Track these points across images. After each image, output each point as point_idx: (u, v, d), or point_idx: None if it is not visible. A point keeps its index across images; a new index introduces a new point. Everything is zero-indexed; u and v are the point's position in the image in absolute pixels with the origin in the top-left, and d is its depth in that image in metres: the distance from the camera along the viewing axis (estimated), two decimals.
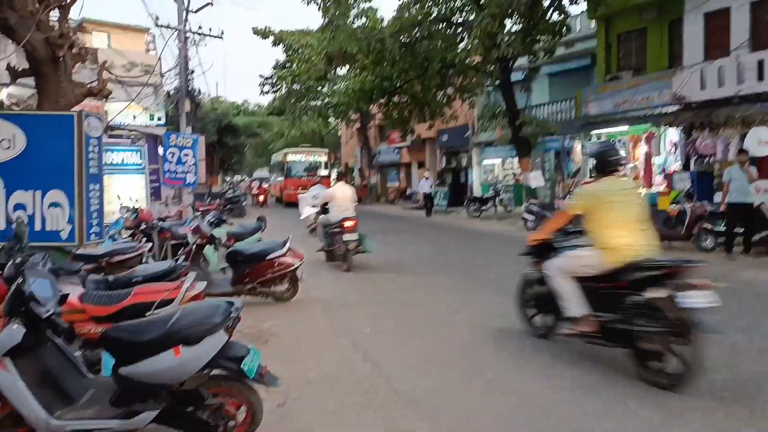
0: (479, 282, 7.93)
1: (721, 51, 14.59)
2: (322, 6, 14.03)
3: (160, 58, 16.75)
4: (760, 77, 13.00)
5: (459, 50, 19.57)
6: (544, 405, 3.69)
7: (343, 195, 9.65)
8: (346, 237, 9.10)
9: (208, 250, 7.91)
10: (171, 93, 16.39)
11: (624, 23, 18.25)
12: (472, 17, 18.18)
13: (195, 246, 6.97)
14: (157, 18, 13.53)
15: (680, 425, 3.34)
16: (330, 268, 9.47)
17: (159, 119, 19.79)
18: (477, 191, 25.27)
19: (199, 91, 20.50)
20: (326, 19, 14.55)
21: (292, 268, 6.82)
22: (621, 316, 4.02)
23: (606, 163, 4.59)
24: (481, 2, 16.71)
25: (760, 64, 13.02)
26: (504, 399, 3.83)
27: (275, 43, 26.41)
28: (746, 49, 13.90)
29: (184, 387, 3.01)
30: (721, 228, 10.31)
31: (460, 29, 19.14)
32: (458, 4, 19.56)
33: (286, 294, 7.07)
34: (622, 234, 4.17)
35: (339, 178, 10.42)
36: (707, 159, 14.57)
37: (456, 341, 5.13)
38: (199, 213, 15.46)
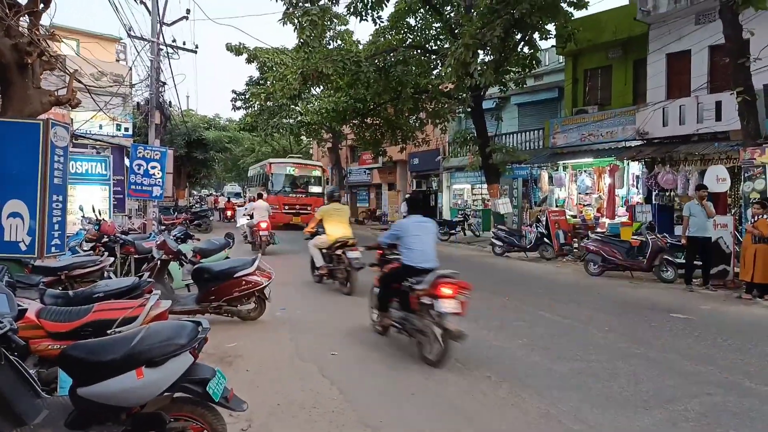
0: None
1: (682, 91, 15.27)
2: (298, 27, 14.12)
3: (131, 69, 16.47)
4: (718, 117, 13.63)
5: (432, 77, 19.93)
6: (500, 425, 3.71)
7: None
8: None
9: (173, 266, 7.74)
10: (141, 104, 16.11)
11: (591, 60, 18.93)
12: (446, 45, 18.57)
13: (160, 262, 6.78)
14: (130, 28, 13.31)
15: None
16: (298, 287, 9.35)
17: (126, 130, 19.38)
18: (446, 215, 25.52)
19: (170, 103, 20.17)
20: (302, 40, 14.63)
21: (261, 286, 6.71)
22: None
23: (331, 197, 10.28)
24: (455, 32, 17.11)
25: (718, 105, 13.66)
26: (471, 427, 3.82)
27: (249, 60, 26.38)
28: (705, 90, 14.58)
29: (145, 410, 2.90)
30: (681, 260, 10.66)
31: (434, 56, 19.50)
32: (433, 32, 20.00)
33: (253, 313, 6.95)
34: (335, 229, 9.19)
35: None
36: (668, 193, 15.11)
37: (423, 371, 5.09)
38: (164, 227, 15.16)
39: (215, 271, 6.63)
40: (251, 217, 15.16)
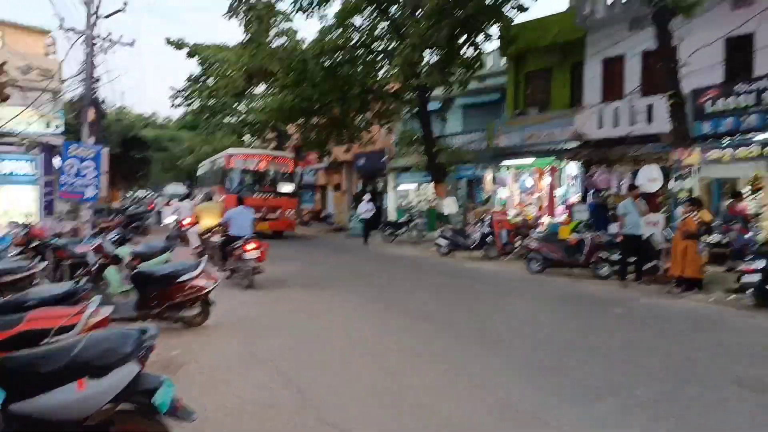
0: (400, 307, 7.95)
1: (617, 94, 15.99)
2: (244, 22, 13.78)
3: (61, 63, 15.56)
4: (650, 120, 14.37)
5: (379, 77, 19.97)
6: (461, 417, 3.73)
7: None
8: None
9: (110, 270, 7.37)
10: (74, 100, 15.26)
11: (532, 63, 19.53)
12: (392, 45, 18.65)
13: (96, 266, 6.43)
14: (62, 20, 12.57)
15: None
16: (244, 289, 9.12)
17: (57, 127, 18.31)
18: (392, 216, 25.62)
19: (104, 100, 19.25)
20: (247, 35, 14.30)
21: (205, 291, 6.48)
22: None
23: (209, 198, 15.73)
24: (402, 32, 17.21)
25: (650, 108, 14.41)
26: (433, 421, 3.83)
27: (190, 56, 25.60)
28: (638, 93, 15.33)
29: (87, 423, 2.72)
30: (616, 257, 11.16)
31: (380, 56, 19.55)
32: (379, 32, 20.02)
33: (197, 318, 6.69)
34: (207, 221, 12.09)
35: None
36: (603, 192, 15.79)
37: (381, 365, 5.08)
38: (98, 230, 14.43)
39: (157, 275, 6.35)
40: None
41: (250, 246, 9.29)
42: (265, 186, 19.96)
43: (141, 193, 54.44)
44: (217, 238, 10.89)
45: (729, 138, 11.32)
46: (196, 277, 6.44)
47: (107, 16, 13.65)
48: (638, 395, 4.35)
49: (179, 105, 32.56)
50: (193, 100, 30.94)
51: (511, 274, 12.08)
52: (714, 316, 7.76)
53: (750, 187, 12.23)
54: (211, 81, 24.63)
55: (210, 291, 6.50)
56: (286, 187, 20.44)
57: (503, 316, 7.40)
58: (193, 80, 29.62)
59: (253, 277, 9.27)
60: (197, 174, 29.34)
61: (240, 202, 10.95)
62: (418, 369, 5.01)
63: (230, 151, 20.88)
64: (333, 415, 3.89)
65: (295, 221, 20.81)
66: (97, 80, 14.00)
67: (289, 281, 10.22)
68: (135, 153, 31.93)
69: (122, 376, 2.71)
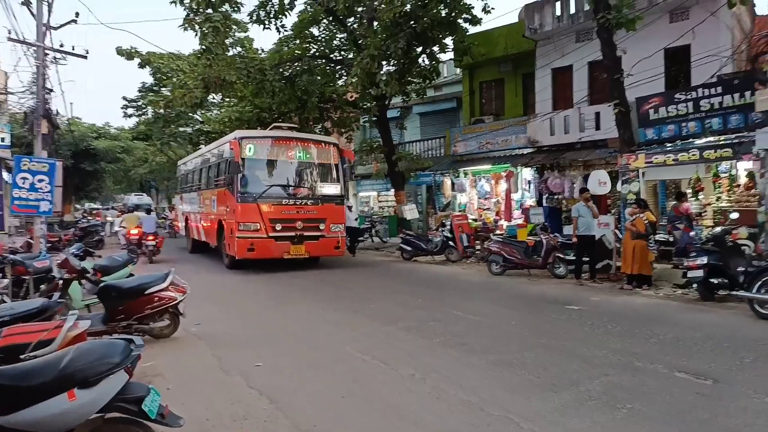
0: (367, 312, 8.12)
1: (567, 103, 16.73)
2: (200, 32, 13.73)
3: (7, 75, 15.02)
4: (597, 127, 15.10)
5: (338, 86, 20.18)
6: (430, 417, 3.94)
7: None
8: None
9: (74, 285, 7.26)
10: (26, 112, 14.75)
11: (485, 73, 20.17)
12: (350, 56, 18.90)
13: (62, 281, 6.34)
14: (9, 32, 12.19)
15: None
16: (212, 300, 9.08)
17: (2, 140, 17.64)
18: (353, 223, 25.74)
19: (57, 112, 18.66)
20: (204, 46, 14.23)
21: (174, 302, 6.49)
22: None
23: (137, 208, 18.89)
24: (359, 43, 17.48)
25: (597, 116, 15.15)
26: (404, 422, 4.01)
27: (141, 66, 25.11)
28: (586, 102, 16.07)
29: None
30: (571, 257, 11.68)
31: (339, 66, 19.76)
32: (337, 42, 20.27)
33: (166, 330, 6.69)
34: (129, 227, 16.56)
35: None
36: (556, 196, 16.44)
37: (351, 373, 5.23)
38: (50, 244, 14.01)
39: (124, 288, 6.32)
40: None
41: (150, 238, 15.61)
42: (298, 187, 13.15)
43: (92, 205, 52.59)
44: (134, 237, 16.12)
45: (671, 143, 12.04)
46: (165, 288, 6.45)
47: (58, 28, 13.27)
48: (592, 387, 4.66)
49: (131, 115, 31.87)
50: (145, 109, 30.31)
51: (473, 276, 12.44)
52: (662, 310, 8.27)
53: (692, 189, 13.02)
54: (165, 91, 24.22)
55: (179, 302, 6.51)
56: (330, 188, 13.68)
57: (467, 317, 7.67)
58: (145, 90, 29.07)
59: (153, 256, 15.39)
60: (178, 175, 22.69)
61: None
62: (386, 372, 5.19)
63: (240, 133, 13.60)
64: (307, 422, 4.01)
65: (345, 239, 14.13)
66: (50, 91, 13.62)
67: (254, 292, 10.24)
68: (86, 165, 30.91)
69: (112, 385, 2.80)
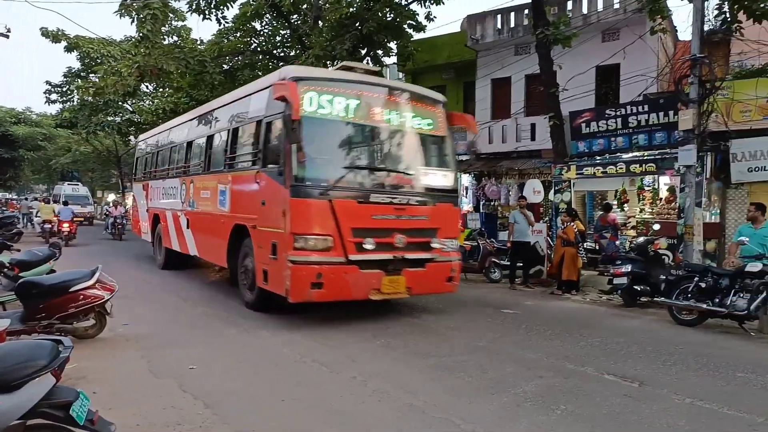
0: (303, 316, 7.98)
1: (505, 113, 17.27)
2: (137, 19, 13.07)
3: None
4: (533, 138, 15.70)
5: None
6: (373, 420, 3.92)
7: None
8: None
9: None
10: None
11: (428, 79, 20.41)
12: (293, 53, 18.63)
13: None
14: None
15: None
16: (141, 299, 8.63)
17: None
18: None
19: None
20: (141, 34, 13.56)
21: (101, 301, 6.11)
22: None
23: (55, 200, 20.29)
24: (303, 40, 17.26)
25: (533, 127, 15.75)
26: (347, 427, 3.96)
27: (69, 49, 23.67)
28: (523, 113, 16.67)
29: None
30: (506, 262, 12.04)
31: (281, 63, 19.42)
32: (280, 38, 19.92)
33: (91, 330, 6.29)
34: (45, 217, 19.08)
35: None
36: (493, 202, 16.94)
37: (292, 372, 5.13)
38: None
39: (46, 285, 5.86)
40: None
41: (65, 225, 18.08)
42: (396, 172, 7.65)
43: (8, 195, 48.82)
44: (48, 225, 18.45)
45: (600, 156, 12.68)
46: (91, 286, 6.05)
47: None
48: (528, 390, 4.80)
49: (55, 101, 29.89)
50: (71, 96, 28.55)
51: None
52: (590, 315, 8.69)
53: (618, 200, 13.79)
54: (95, 77, 22.91)
55: (106, 301, 6.14)
56: (440, 177, 8.19)
57: (407, 320, 7.72)
58: (72, 75, 27.35)
59: (68, 241, 17.36)
60: (139, 154, 16.48)
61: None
62: (326, 375, 5.12)
63: (292, 71, 7.55)
64: (246, 426, 3.89)
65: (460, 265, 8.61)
66: None
67: (177, 292, 9.84)
68: (3, 152, 28.69)
69: (37, 389, 2.59)
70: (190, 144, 11.32)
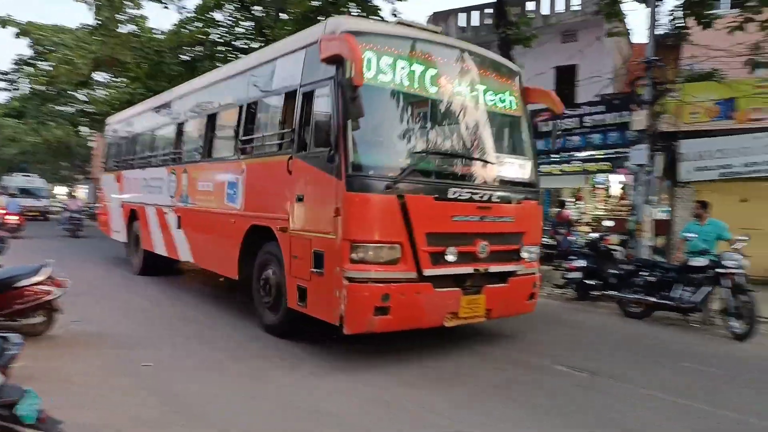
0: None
1: None
2: (94, 6, 12.59)
3: None
4: None
5: None
6: (337, 411, 3.95)
7: None
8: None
9: None
10: None
11: None
12: (255, 45, 18.34)
13: None
14: None
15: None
16: (93, 294, 8.36)
17: None
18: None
19: None
20: (98, 21, 13.07)
21: (50, 297, 5.89)
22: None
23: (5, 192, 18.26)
24: (265, 32, 17.03)
25: None
26: (321, 421, 3.96)
27: (18, 36, 22.64)
28: None
29: None
30: None
31: (243, 55, 19.10)
32: (242, 30, 19.58)
33: (39, 327, 6.06)
34: None
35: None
36: None
37: (250, 369, 5.09)
38: None
39: None
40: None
41: (12, 216, 17.45)
42: (477, 160, 5.86)
43: None
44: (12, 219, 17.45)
45: (557, 155, 13.01)
46: (40, 282, 5.84)
47: None
48: (487, 382, 4.93)
49: (2, 89, 28.60)
50: (20, 84, 27.37)
51: None
52: (546, 308, 8.90)
53: (573, 197, 14.18)
54: (45, 65, 22.01)
55: (57, 297, 5.93)
56: (519, 167, 6.51)
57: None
58: (22, 63, 26.18)
59: (15, 232, 15.86)
60: (111, 139, 13.88)
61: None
62: (288, 369, 5.11)
63: (344, 22, 5.50)
64: (205, 425, 3.85)
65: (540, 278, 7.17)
66: None
67: (128, 290, 9.60)
68: None
69: None
70: (181, 125, 9.38)
